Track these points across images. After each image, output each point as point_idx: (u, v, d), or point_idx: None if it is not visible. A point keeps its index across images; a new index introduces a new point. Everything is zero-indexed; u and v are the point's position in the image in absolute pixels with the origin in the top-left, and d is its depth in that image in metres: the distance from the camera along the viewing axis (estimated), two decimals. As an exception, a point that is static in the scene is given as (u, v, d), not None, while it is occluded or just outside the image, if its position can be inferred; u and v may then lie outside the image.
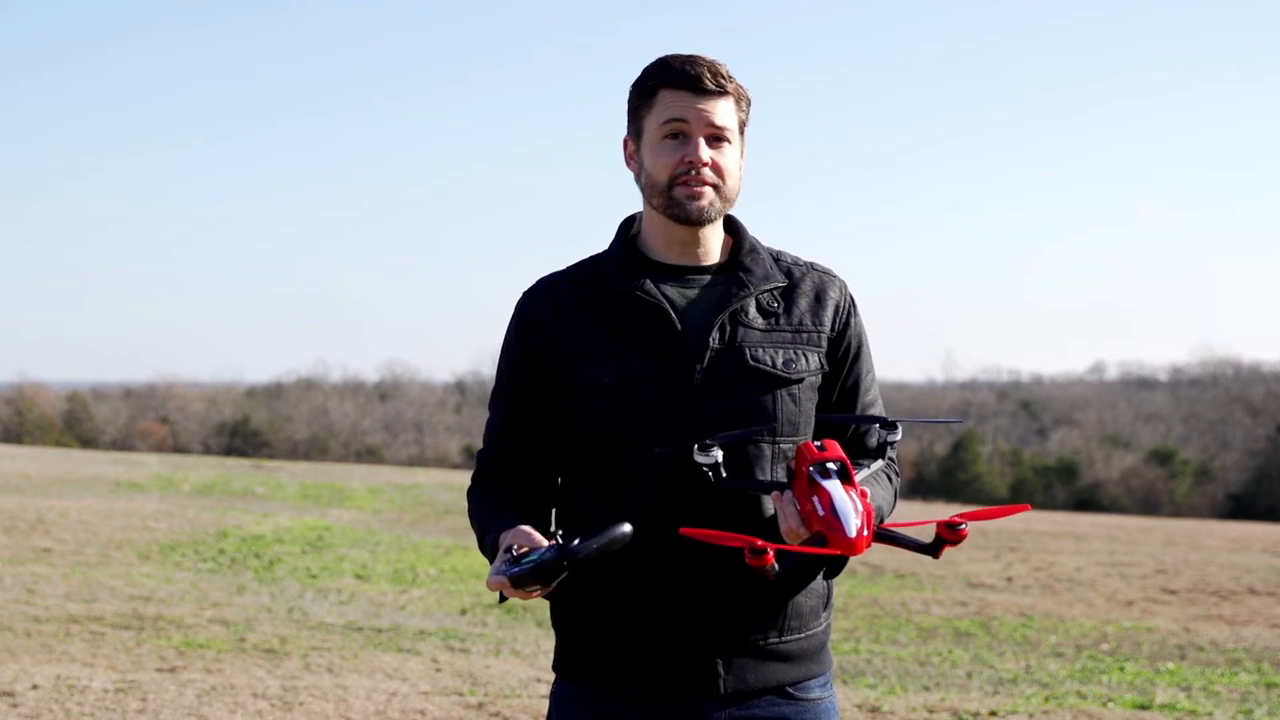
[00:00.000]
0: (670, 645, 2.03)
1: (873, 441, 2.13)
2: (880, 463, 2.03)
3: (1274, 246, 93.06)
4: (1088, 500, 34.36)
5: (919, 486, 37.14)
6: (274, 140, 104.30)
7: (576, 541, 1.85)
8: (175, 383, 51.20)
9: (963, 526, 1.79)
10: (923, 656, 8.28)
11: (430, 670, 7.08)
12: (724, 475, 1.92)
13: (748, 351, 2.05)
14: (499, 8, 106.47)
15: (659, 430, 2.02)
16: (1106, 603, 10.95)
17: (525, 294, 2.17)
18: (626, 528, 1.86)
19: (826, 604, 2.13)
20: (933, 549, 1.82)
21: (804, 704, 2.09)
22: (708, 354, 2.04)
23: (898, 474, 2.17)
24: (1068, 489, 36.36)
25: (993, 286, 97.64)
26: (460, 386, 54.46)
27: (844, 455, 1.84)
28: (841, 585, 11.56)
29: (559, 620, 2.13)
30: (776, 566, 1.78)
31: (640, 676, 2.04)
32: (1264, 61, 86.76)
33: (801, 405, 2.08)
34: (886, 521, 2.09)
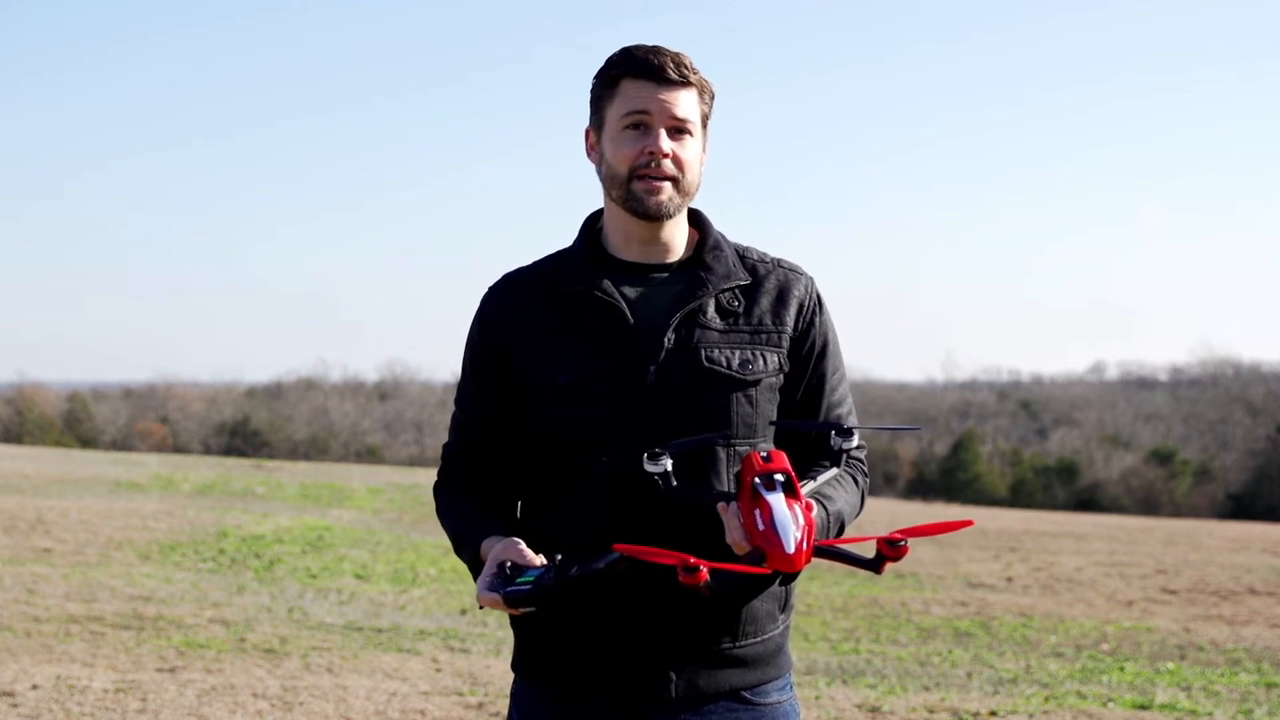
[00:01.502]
0: (623, 649, 2.01)
1: (836, 445, 2.09)
2: (834, 471, 1.97)
3: (1274, 246, 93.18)
4: (1088, 500, 34.36)
5: (919, 487, 37.14)
6: (274, 140, 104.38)
7: (575, 568, 1.83)
8: (175, 383, 51.20)
9: (903, 543, 1.77)
10: (923, 656, 8.28)
11: (430, 670, 7.08)
12: (674, 484, 1.88)
13: (703, 352, 2.02)
14: (499, 8, 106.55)
15: (613, 431, 2.00)
16: (1106, 603, 10.95)
17: (489, 290, 2.16)
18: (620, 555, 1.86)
19: (784, 607, 2.09)
20: (874, 565, 1.79)
21: (760, 708, 2.06)
22: (662, 354, 2.01)
23: (865, 475, 2.13)
24: (1068, 489, 36.36)
25: (993, 286, 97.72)
26: (460, 386, 54.41)
27: (789, 467, 1.80)
28: (841, 585, 11.56)
29: (516, 621, 2.10)
30: (712, 583, 1.75)
31: (593, 679, 2.03)
32: (1263, 61, 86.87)
33: (759, 407, 2.04)
34: (852, 524, 2.06)
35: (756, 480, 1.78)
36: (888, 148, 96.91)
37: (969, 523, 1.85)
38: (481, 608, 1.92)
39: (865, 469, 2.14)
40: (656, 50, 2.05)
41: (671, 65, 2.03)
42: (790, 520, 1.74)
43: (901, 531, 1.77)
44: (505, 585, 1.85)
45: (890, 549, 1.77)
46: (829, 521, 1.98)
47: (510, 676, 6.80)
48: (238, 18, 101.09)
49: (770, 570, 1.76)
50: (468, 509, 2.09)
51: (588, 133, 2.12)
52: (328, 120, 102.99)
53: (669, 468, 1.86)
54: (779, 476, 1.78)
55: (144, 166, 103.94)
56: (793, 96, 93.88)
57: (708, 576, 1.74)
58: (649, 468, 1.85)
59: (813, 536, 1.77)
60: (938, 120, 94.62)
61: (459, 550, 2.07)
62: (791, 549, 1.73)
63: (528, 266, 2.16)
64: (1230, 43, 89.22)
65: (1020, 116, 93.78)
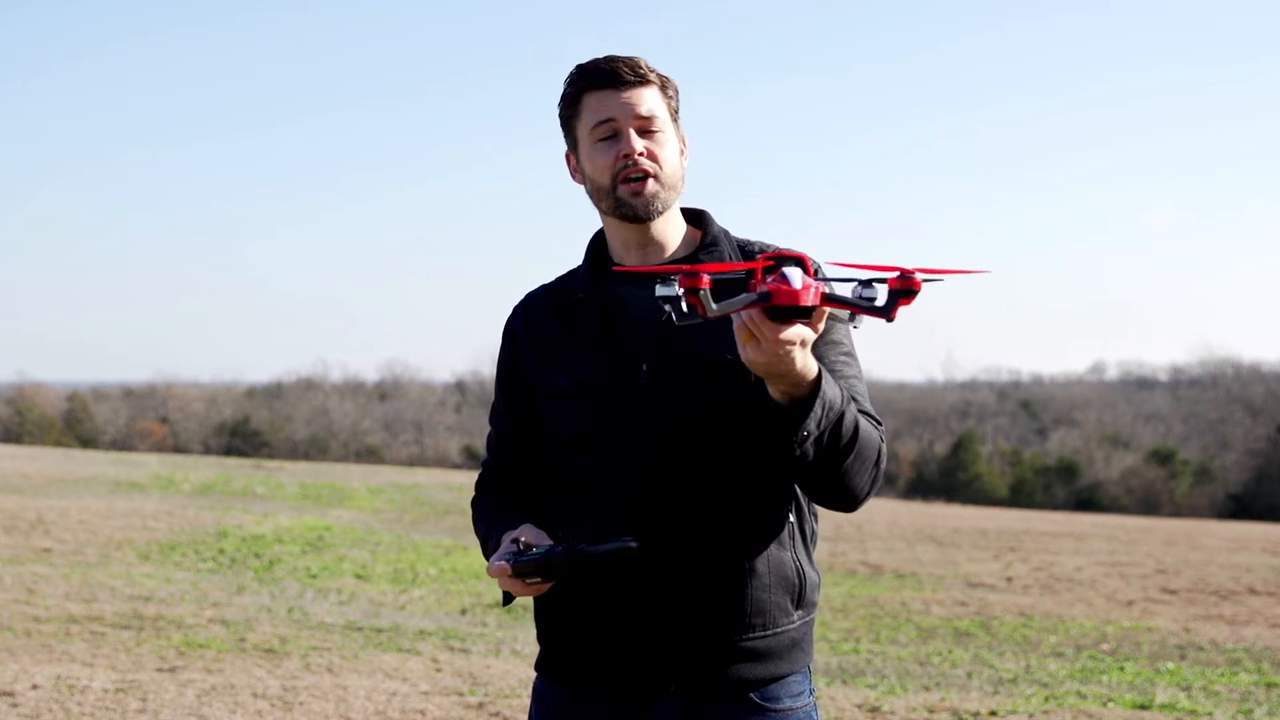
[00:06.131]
0: (629, 643, 2.03)
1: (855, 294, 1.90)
2: (853, 285, 1.82)
3: (1274, 247, 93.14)
4: (1088, 500, 34.36)
5: (919, 487, 37.12)
6: (274, 139, 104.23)
7: (582, 545, 1.91)
8: (175, 383, 51.22)
9: (916, 276, 1.69)
10: (923, 656, 8.28)
11: (430, 670, 7.08)
12: (684, 310, 1.73)
13: (694, 345, 2.02)
14: (499, 8, 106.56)
15: (612, 430, 2.03)
16: (1106, 603, 10.96)
17: (512, 310, 2.23)
18: (633, 543, 1.90)
19: (799, 601, 2.07)
20: (886, 310, 1.71)
21: (772, 715, 2.05)
22: (653, 351, 2.03)
23: (881, 435, 2.04)
24: (1068, 489, 36.36)
25: (993, 286, 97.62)
26: (460, 386, 54.45)
27: (805, 256, 1.74)
28: (841, 585, 11.57)
29: (537, 618, 2.16)
30: (710, 294, 1.66)
31: (602, 674, 2.06)
32: (1265, 61, 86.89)
33: (753, 393, 1.99)
34: (859, 442, 1.95)
35: (770, 259, 1.73)
36: (887, 147, 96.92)
37: (986, 270, 1.84)
38: (506, 600, 2.00)
39: (881, 430, 2.04)
40: (609, 58, 2.08)
41: (625, 68, 2.06)
42: (800, 272, 1.70)
43: (914, 268, 1.70)
44: (518, 557, 1.93)
45: (903, 282, 1.69)
46: (842, 393, 1.89)
47: (525, 677, 6.83)
48: (238, 17, 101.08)
49: (776, 304, 1.68)
50: (495, 516, 2.15)
51: (568, 157, 2.16)
52: (328, 120, 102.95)
53: (679, 291, 1.73)
54: (792, 261, 1.73)
55: (144, 166, 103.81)
56: (791, 95, 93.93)
57: (709, 284, 1.67)
58: (661, 291, 1.74)
59: (822, 289, 1.71)
60: (937, 119, 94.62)
61: (484, 550, 2.12)
62: (798, 285, 1.68)
63: (545, 284, 2.22)
64: (1231, 43, 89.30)
65: (1020, 116, 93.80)
